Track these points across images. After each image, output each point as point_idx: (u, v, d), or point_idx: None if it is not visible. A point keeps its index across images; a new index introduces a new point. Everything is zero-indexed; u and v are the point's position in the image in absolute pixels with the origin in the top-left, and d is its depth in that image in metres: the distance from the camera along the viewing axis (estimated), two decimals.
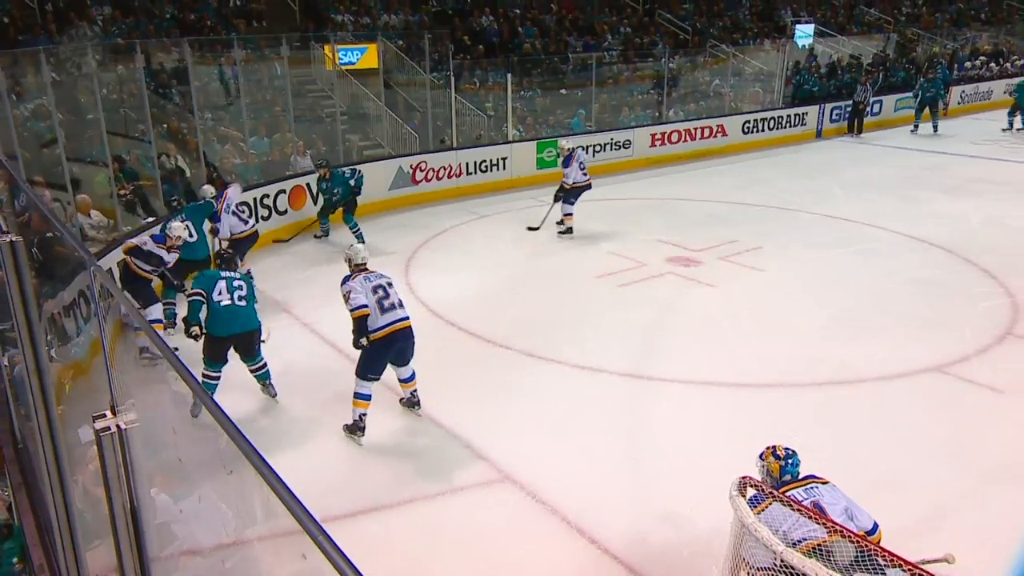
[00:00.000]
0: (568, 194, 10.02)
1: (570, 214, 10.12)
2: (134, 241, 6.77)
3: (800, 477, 3.60)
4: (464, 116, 13.73)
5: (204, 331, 5.62)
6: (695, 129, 15.44)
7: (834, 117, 17.52)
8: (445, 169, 12.33)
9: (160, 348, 1.78)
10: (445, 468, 4.97)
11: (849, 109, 17.51)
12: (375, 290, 5.33)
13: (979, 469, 4.87)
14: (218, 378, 5.73)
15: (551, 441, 5.28)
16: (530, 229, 10.33)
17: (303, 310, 7.72)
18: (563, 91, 15.75)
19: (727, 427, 5.41)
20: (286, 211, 10.18)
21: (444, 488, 4.75)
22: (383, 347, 5.30)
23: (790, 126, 16.90)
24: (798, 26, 20.26)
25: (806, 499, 3.43)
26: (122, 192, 8.83)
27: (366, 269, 5.54)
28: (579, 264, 8.99)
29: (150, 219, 8.47)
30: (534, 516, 4.49)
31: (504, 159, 12.97)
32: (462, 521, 4.48)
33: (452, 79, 13.02)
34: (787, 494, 3.35)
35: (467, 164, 12.56)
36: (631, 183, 13.38)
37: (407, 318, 5.41)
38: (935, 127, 17.17)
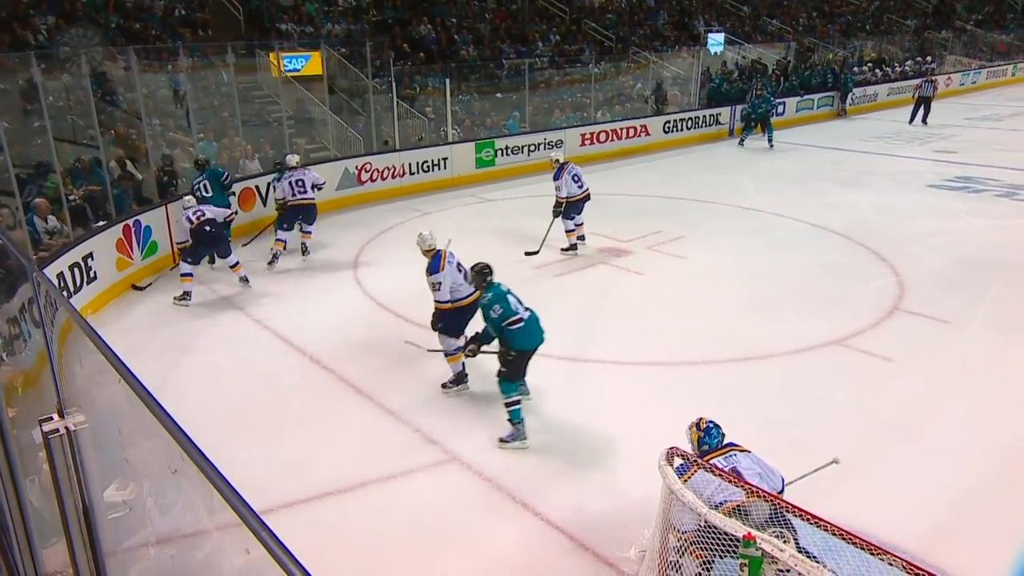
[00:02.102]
0: (566, 209, 8.76)
1: (571, 230, 8.90)
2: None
3: (722, 445, 3.68)
4: (406, 119, 13.56)
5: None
6: (621, 129, 15.59)
7: (739, 118, 17.91)
8: (389, 170, 12.15)
9: (104, 352, 1.68)
10: (396, 453, 4.90)
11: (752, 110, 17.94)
12: (459, 267, 5.70)
13: (876, 429, 5.07)
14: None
15: (495, 423, 5.25)
16: (528, 254, 8.84)
17: (257, 308, 7.50)
18: (498, 95, 15.70)
19: (657, 402, 5.49)
20: (236, 212, 9.85)
21: (395, 471, 4.69)
22: (464, 312, 5.65)
23: (706, 126, 17.22)
24: (710, 35, 20.64)
25: (726, 466, 3.52)
26: (72, 198, 8.41)
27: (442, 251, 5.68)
28: (517, 258, 8.98)
29: (102, 222, 8.10)
30: (481, 494, 4.47)
31: (445, 159, 12.85)
32: (413, 501, 4.43)
33: (394, 84, 12.82)
34: (710, 462, 3.43)
35: (410, 164, 12.39)
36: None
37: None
38: (770, 140, 16.08)
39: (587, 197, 8.87)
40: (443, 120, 13.64)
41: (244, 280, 8.02)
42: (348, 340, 6.72)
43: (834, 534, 2.93)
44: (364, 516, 4.31)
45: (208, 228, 7.69)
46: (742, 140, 16.60)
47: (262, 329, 6.98)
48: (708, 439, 3.66)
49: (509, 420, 4.97)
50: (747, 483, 3.27)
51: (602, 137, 15.20)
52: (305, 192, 8.80)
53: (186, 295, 7.56)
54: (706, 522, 3.03)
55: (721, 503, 3.26)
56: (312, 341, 6.62)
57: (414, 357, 6.35)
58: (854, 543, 2.86)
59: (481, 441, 4.98)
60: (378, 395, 5.63)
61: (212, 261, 8.57)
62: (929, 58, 25.07)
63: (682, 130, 16.63)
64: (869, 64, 23.25)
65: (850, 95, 20.41)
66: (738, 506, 3.27)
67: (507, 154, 13.71)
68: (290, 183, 8.77)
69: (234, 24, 14.53)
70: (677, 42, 20.84)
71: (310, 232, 9.08)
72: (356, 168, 11.74)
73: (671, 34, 21.58)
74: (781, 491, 3.58)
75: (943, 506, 4.29)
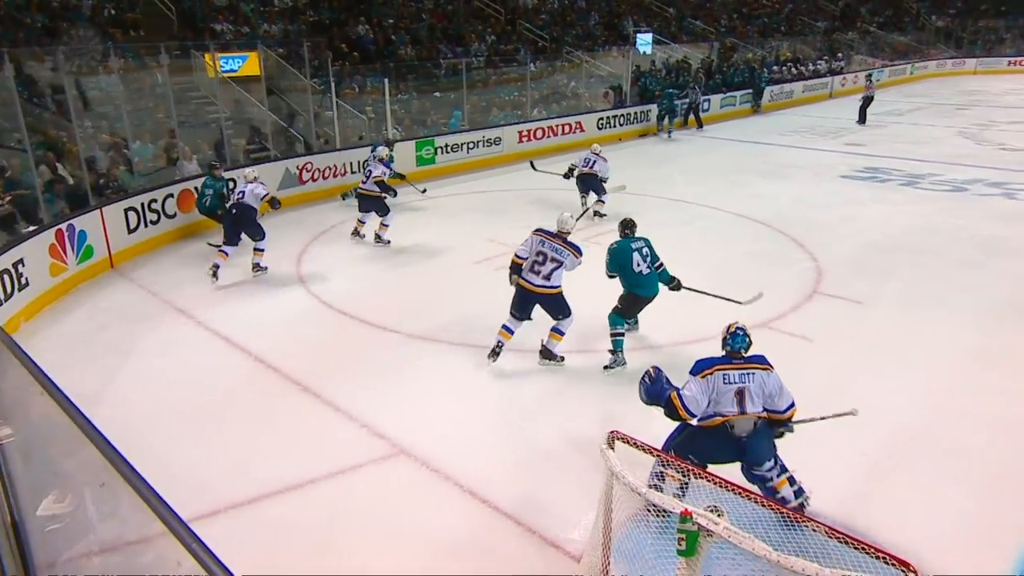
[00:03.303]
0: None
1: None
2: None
3: (748, 359, 3.80)
4: (346, 119, 13.29)
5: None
6: (557, 126, 15.65)
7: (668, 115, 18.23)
8: (330, 169, 11.89)
9: (27, 365, 1.57)
10: (344, 448, 4.81)
11: (684, 107, 18.33)
12: (538, 253, 5.79)
13: (797, 403, 5.22)
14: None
15: (441, 414, 5.23)
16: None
17: (199, 309, 7.22)
18: (437, 94, 15.55)
19: (596, 389, 5.54)
20: (175, 214, 9.49)
21: (343, 466, 4.59)
22: (516, 293, 5.84)
23: (637, 122, 17.46)
24: (639, 35, 20.90)
25: (736, 383, 3.71)
26: (0, 203, 7.93)
27: (550, 235, 5.87)
28: (459, 252, 8.93)
29: (32, 227, 7.66)
30: (430, 484, 4.42)
31: None
32: (363, 495, 4.35)
33: (332, 84, 12.54)
34: (725, 372, 3.72)
35: (351, 164, 12.15)
36: (502, 176, 13.41)
37: (540, 286, 5.75)
38: (669, 134, 17.15)
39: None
40: (383, 120, 13.42)
41: (256, 267, 8.14)
42: (293, 338, 6.55)
43: (762, 506, 3.02)
44: (313, 513, 4.21)
45: (234, 211, 8.06)
46: (668, 134, 17.19)
47: (204, 330, 6.74)
48: (732, 341, 3.84)
49: (611, 350, 5.76)
50: (721, 479, 3.21)
51: (539, 134, 15.23)
52: (365, 182, 9.17)
53: (214, 268, 7.88)
54: (646, 501, 3.07)
55: (712, 415, 3.73)
56: (256, 341, 6.42)
57: (360, 353, 6.25)
58: (781, 513, 2.95)
59: (428, 433, 4.92)
60: (324, 392, 5.51)
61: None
62: (840, 55, 26.08)
63: (615, 126, 16.82)
64: (788, 64, 23.99)
65: (765, 92, 21.05)
66: (725, 421, 3.73)
67: (447, 152, 13.60)
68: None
69: (167, 24, 13.93)
70: (608, 42, 21.04)
71: (364, 223, 9.36)
72: (297, 168, 11.45)
73: (602, 34, 21.77)
74: (787, 410, 3.81)
75: (859, 472, 4.48)
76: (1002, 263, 8.21)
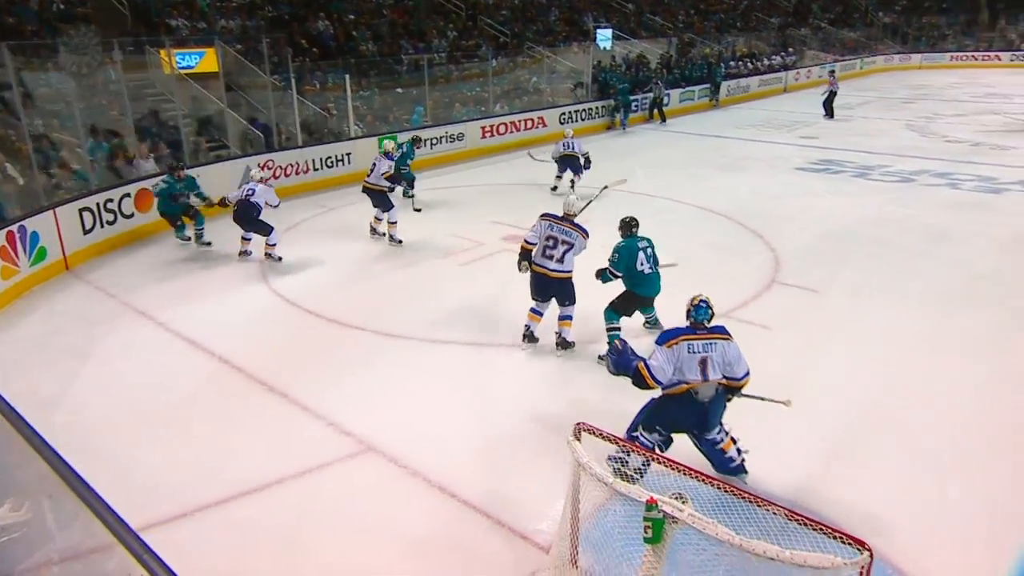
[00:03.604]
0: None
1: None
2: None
3: (712, 330, 4.00)
4: (308, 116, 13.08)
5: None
6: (519, 121, 15.65)
7: (634, 108, 18.40)
8: (292, 166, 11.71)
9: None
10: (311, 446, 4.75)
11: (648, 101, 18.54)
12: (548, 237, 5.84)
13: (756, 389, 5.32)
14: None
15: (408, 410, 5.20)
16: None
17: (159, 310, 7.05)
18: (399, 90, 15.39)
19: (561, 381, 5.57)
20: (132, 214, 9.23)
21: (311, 465, 4.54)
22: (533, 279, 5.96)
23: (598, 116, 17.55)
24: (599, 30, 20.99)
25: (700, 352, 3.89)
26: None
27: (558, 219, 5.91)
28: (424, 247, 8.88)
29: None
30: (398, 481, 4.39)
31: (348, 154, 12.50)
32: (331, 493, 4.30)
33: (293, 81, 12.33)
34: (689, 342, 3.90)
35: (313, 160, 11.99)
36: (466, 172, 13.38)
37: (556, 271, 5.83)
38: (623, 127, 17.70)
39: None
40: (344, 116, 13.25)
41: (269, 257, 8.36)
42: (257, 338, 6.45)
43: (724, 491, 3.07)
44: (281, 513, 4.15)
45: (237, 208, 8.32)
46: (623, 126, 17.61)
47: (165, 332, 6.58)
48: (696, 313, 4.03)
49: (608, 342, 5.69)
50: (684, 466, 3.31)
51: (501, 129, 15.21)
52: (370, 176, 9.08)
53: (243, 254, 8.52)
54: (613, 490, 3.10)
55: (678, 383, 3.89)
56: (219, 341, 6.30)
57: (325, 351, 6.18)
58: (742, 497, 3.01)
59: (395, 430, 4.89)
60: (290, 391, 5.43)
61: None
62: (791, 50, 26.58)
63: (576, 121, 16.88)
64: (744, 59, 24.37)
65: (723, 87, 21.37)
66: (689, 388, 3.90)
67: None
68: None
69: (120, 19, 13.50)
70: (568, 37, 21.08)
71: (380, 219, 9.26)
72: (259, 166, 11.21)
73: (562, 30, 21.80)
74: (743, 377, 4.01)
75: (816, 456, 4.58)
76: (947, 250, 8.48)
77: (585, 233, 5.90)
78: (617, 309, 5.87)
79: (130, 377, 5.76)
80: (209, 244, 8.84)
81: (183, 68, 11.92)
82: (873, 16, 35.98)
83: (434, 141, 13.85)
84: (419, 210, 10.31)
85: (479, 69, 16.85)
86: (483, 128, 14.87)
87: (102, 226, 8.75)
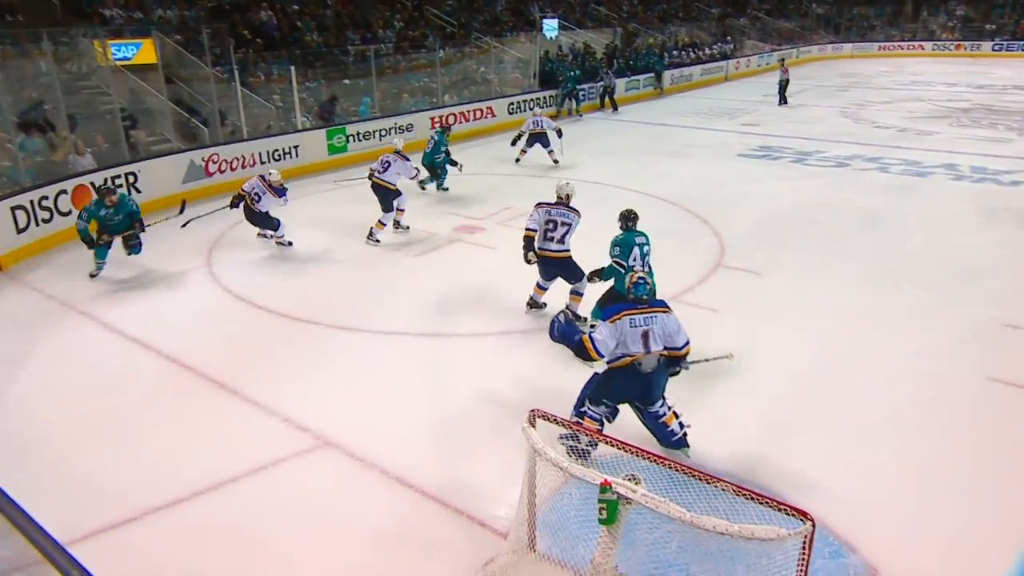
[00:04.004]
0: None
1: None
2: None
3: (651, 304, 4.11)
4: (252, 108, 12.70)
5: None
6: (469, 111, 15.55)
7: (581, 97, 18.47)
8: (238, 160, 11.36)
9: None
10: (266, 443, 4.65)
11: (598, 90, 18.66)
12: (548, 221, 6.06)
13: (704, 368, 5.44)
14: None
15: (364, 403, 5.13)
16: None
17: (102, 310, 6.78)
18: (346, 81, 15.09)
19: (515, 368, 5.58)
20: (70, 211, 8.83)
21: (267, 462, 4.45)
22: (540, 263, 6.16)
23: (546, 106, 17.55)
24: (545, 20, 20.97)
25: (642, 326, 4.00)
26: None
27: (553, 204, 6.14)
28: (377, 239, 8.75)
29: None
30: (356, 474, 4.34)
31: (296, 147, 12.21)
32: (288, 489, 4.23)
33: (236, 73, 11.95)
34: (631, 317, 4.01)
35: (259, 154, 11.66)
36: (416, 162, 13.19)
37: (558, 251, 6.11)
38: (577, 113, 17.96)
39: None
40: (291, 108, 12.93)
41: (281, 243, 8.47)
42: (206, 335, 6.27)
43: (675, 470, 3.13)
44: (238, 511, 4.06)
45: (246, 214, 8.41)
46: (579, 113, 17.74)
47: (110, 332, 6.34)
48: (635, 290, 4.14)
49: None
50: (606, 436, 3.42)
51: (450, 120, 15.07)
52: (383, 173, 8.82)
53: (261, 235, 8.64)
54: (569, 475, 3.13)
55: (622, 356, 3.99)
56: (167, 340, 6.10)
57: (277, 346, 6.05)
58: (692, 475, 3.07)
59: (351, 423, 4.83)
60: (243, 388, 5.30)
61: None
62: (730, 39, 27.08)
63: (524, 111, 16.84)
64: (687, 49, 24.70)
65: (666, 75, 21.65)
66: (633, 360, 3.99)
67: (359, 140, 13.27)
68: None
69: (48, 8, 12.84)
70: (515, 27, 21.00)
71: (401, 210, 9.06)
72: (203, 159, 10.89)
73: (509, 20, 21.71)
74: (684, 346, 4.12)
75: (762, 431, 4.71)
76: (879, 232, 8.79)
77: (578, 213, 6.22)
78: (603, 307, 5.69)
79: (74, 380, 5.53)
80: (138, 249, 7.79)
81: (119, 60, 11.44)
82: (807, 7, 36.90)
83: (383, 132, 13.65)
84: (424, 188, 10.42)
85: (427, 60, 16.64)
86: (432, 119, 14.72)
87: (37, 224, 8.36)
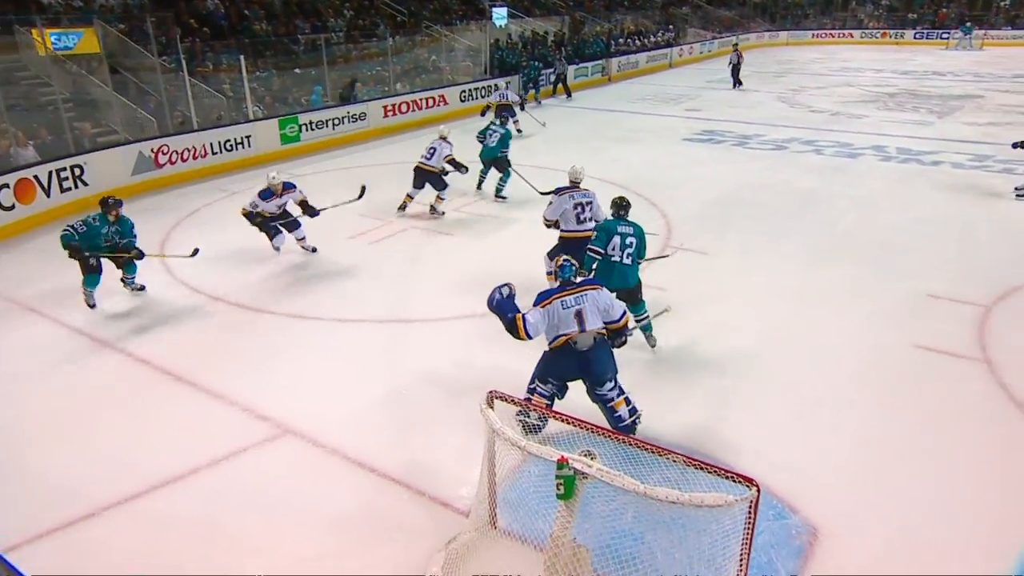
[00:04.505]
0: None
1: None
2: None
3: (579, 284, 4.15)
4: (202, 98, 12.23)
5: None
6: (421, 99, 15.32)
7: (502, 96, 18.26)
8: (189, 151, 10.95)
9: None
10: (226, 433, 4.53)
11: (553, 78, 18.58)
12: (576, 205, 6.04)
13: (656, 354, 5.54)
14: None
15: (323, 391, 5.05)
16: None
17: (51, 307, 6.49)
18: (297, 70, 14.66)
19: (474, 350, 5.56)
20: (13, 206, 8.40)
21: (227, 452, 4.34)
22: (564, 244, 5.95)
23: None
24: (494, 9, 20.75)
25: (575, 305, 4.03)
26: None
27: (572, 188, 6.16)
28: (331, 228, 8.54)
29: None
30: (317, 460, 4.28)
31: (248, 137, 11.83)
32: (250, 479, 4.14)
33: (183, 62, 11.48)
34: (562, 299, 4.05)
35: (211, 144, 11.26)
36: (369, 151, 12.99)
37: (590, 229, 5.81)
38: (538, 101, 17.44)
39: None
40: (242, 98, 12.51)
41: (306, 248, 7.78)
42: (161, 328, 6.06)
43: (629, 444, 3.17)
44: (198, 502, 3.96)
45: (271, 220, 7.50)
46: (537, 101, 17.39)
47: (61, 328, 6.07)
48: (562, 274, 4.19)
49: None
50: (558, 413, 3.46)
51: (404, 108, 14.84)
52: (429, 159, 8.83)
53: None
54: (527, 453, 3.13)
55: (557, 336, 4.02)
56: (121, 334, 5.89)
57: (235, 337, 5.89)
58: (644, 449, 3.11)
59: (310, 411, 4.75)
60: (201, 380, 5.16)
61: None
62: (672, 27, 27.29)
63: (476, 98, 16.69)
64: (632, 36, 24.78)
65: (614, 63, 21.71)
66: (569, 339, 4.02)
67: (312, 129, 12.94)
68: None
69: None
70: (465, 16, 20.72)
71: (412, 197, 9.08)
72: (152, 151, 10.46)
73: (459, 8, 21.40)
74: (621, 317, 4.18)
75: (710, 405, 4.82)
76: (815, 211, 9.03)
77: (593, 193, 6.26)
78: None
79: (25, 378, 5.29)
80: (142, 288, 6.70)
81: (60, 49, 10.87)
82: None
83: (336, 121, 13.35)
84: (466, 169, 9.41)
85: (378, 48, 16.30)
86: (385, 107, 14.46)
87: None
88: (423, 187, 8.99)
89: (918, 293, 6.48)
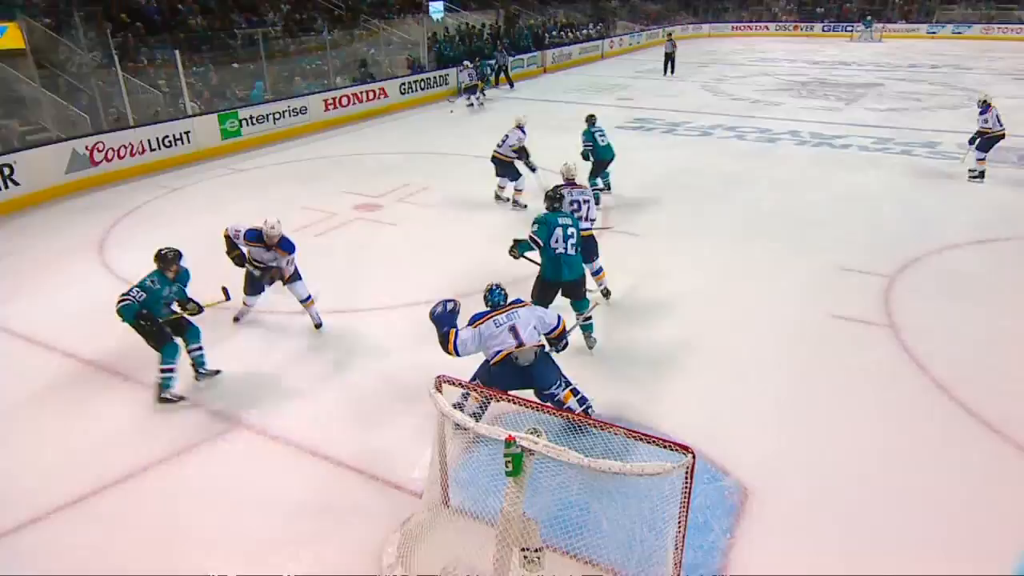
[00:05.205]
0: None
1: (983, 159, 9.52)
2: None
3: (507, 303, 4.07)
4: (137, 94, 11.59)
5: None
6: (361, 93, 14.95)
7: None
8: (126, 148, 10.38)
9: None
10: (177, 431, 4.36)
11: (495, 70, 18.42)
12: (572, 202, 5.75)
13: (598, 323, 5.60)
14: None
15: (273, 382, 4.91)
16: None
17: None
18: (235, 65, 14.05)
19: (420, 337, 5.48)
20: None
21: (179, 448, 4.17)
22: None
23: (436, 86, 17.17)
24: (431, 3, 20.37)
25: (507, 322, 3.94)
26: None
27: (567, 185, 5.92)
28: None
29: None
30: (270, 451, 4.17)
31: (187, 133, 11.30)
32: (203, 473, 4.00)
33: (116, 58, 10.84)
34: (495, 318, 3.97)
35: (149, 141, 10.70)
36: (311, 144, 12.61)
37: (587, 229, 5.71)
38: (484, 92, 17.30)
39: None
40: (179, 93, 11.92)
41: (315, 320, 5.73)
42: (106, 327, 5.68)
43: (572, 420, 3.20)
44: (150, 500, 3.80)
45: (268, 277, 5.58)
46: (483, 91, 17.13)
47: (2, 332, 5.69)
48: (491, 298, 4.09)
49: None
50: (503, 393, 3.45)
51: (344, 101, 14.46)
52: (501, 147, 8.57)
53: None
54: (475, 434, 3.12)
55: (497, 352, 3.87)
56: (63, 336, 5.56)
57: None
58: (588, 424, 3.14)
59: (261, 403, 4.60)
60: (147, 378, 4.90)
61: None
62: (602, 20, 27.44)
63: (416, 91, 16.43)
64: (565, 29, 24.78)
65: (548, 54, 21.69)
66: (509, 353, 3.88)
67: (252, 123, 12.46)
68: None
69: None
70: (402, 10, 20.27)
71: (503, 187, 8.82)
72: (87, 148, 9.87)
73: (396, 2, 20.91)
74: (558, 324, 4.11)
75: (647, 379, 4.91)
76: (739, 193, 9.28)
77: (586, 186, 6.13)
78: (537, 301, 5.02)
79: None
80: (217, 372, 4.99)
81: None
82: None
83: (277, 115, 12.90)
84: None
85: (316, 43, 15.79)
86: (326, 101, 14.05)
87: None
88: (504, 175, 8.69)
89: (832, 266, 6.76)
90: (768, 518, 3.61)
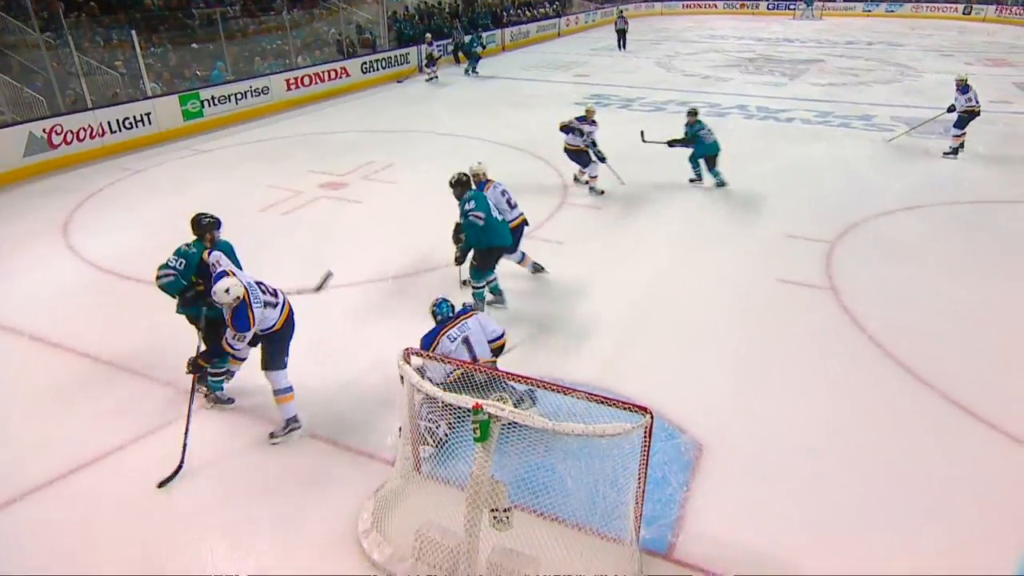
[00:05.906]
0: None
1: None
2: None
3: (458, 315, 3.99)
4: (95, 76, 10.99)
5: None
6: (323, 72, 14.47)
7: (440, 53, 17.69)
8: (85, 130, 9.88)
9: None
10: (150, 410, 4.24)
11: (451, 48, 18.00)
12: (503, 192, 5.56)
13: (557, 293, 5.61)
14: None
15: (249, 361, 4.78)
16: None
17: None
18: (194, 45, 13.43)
19: (387, 312, 5.43)
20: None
21: (153, 427, 4.07)
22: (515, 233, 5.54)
23: (398, 64, 16.74)
24: None
25: (459, 335, 3.85)
26: None
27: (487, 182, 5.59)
28: (242, 201, 8.04)
29: None
30: (244, 427, 4.09)
31: (148, 114, 10.79)
32: (179, 452, 3.89)
33: (71, 38, 10.23)
34: (448, 332, 3.82)
35: (108, 123, 10.20)
36: (274, 124, 12.20)
37: (516, 217, 5.60)
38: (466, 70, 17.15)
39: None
40: (137, 74, 11.34)
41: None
42: (74, 311, 5.53)
43: (535, 386, 3.20)
44: (127, 478, 3.70)
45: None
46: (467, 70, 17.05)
47: None
48: (439, 310, 4.04)
49: (474, 296, 5.32)
50: (466, 362, 3.44)
51: (306, 81, 13.98)
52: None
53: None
54: (442, 403, 3.10)
55: (452, 371, 3.55)
56: (29, 320, 5.33)
57: (153, 315, 5.44)
58: (552, 389, 3.15)
59: (234, 380, 4.49)
60: (119, 360, 4.76)
61: None
62: (558, 0, 27.00)
63: (378, 70, 15.99)
64: (522, 7, 24.32)
65: (507, 33, 21.32)
66: (463, 373, 3.56)
67: (214, 104, 11.97)
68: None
69: None
70: None
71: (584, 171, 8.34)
72: (44, 131, 9.36)
73: None
74: (501, 335, 4.03)
75: (606, 346, 4.95)
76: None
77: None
78: (481, 268, 5.26)
79: None
80: (231, 401, 4.36)
81: None
82: None
83: (239, 96, 12.41)
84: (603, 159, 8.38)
85: (276, 22, 15.17)
86: (288, 80, 13.57)
87: None
88: (576, 163, 8.28)
89: (779, 233, 6.88)
90: (721, 471, 3.70)
